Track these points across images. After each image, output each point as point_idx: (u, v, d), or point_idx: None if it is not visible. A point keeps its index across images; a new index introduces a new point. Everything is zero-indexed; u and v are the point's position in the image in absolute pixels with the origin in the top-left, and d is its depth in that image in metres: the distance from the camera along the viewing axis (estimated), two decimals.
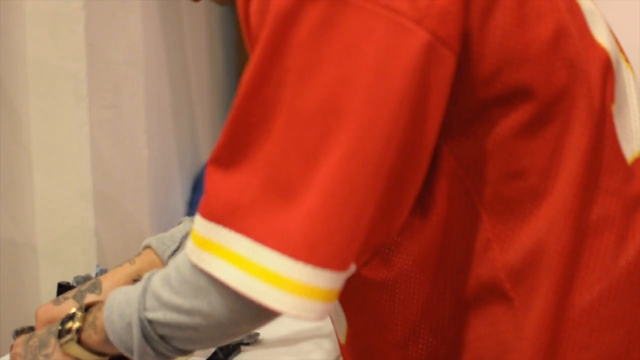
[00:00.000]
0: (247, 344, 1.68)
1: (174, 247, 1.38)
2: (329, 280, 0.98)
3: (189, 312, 1.04)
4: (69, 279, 1.72)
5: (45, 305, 1.36)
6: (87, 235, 1.98)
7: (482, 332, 1.09)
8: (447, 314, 1.10)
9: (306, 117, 0.96)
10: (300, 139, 0.97)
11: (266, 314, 1.02)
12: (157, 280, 1.07)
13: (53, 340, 1.19)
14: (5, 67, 1.94)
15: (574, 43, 1.06)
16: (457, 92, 1.02)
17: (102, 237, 2.06)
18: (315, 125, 0.96)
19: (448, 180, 1.05)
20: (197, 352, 1.65)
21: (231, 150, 0.99)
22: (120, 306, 1.10)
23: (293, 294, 0.98)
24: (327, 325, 1.82)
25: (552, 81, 1.04)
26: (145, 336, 1.07)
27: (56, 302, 1.36)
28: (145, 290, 1.08)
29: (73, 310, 1.18)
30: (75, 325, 1.17)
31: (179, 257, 1.06)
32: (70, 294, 1.36)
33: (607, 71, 1.10)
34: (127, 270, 1.38)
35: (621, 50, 1.18)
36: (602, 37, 1.12)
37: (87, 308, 1.18)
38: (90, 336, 1.15)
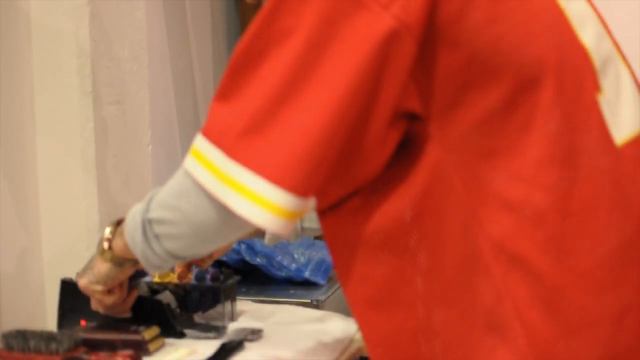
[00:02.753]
0: (251, 341, 1.69)
1: None
2: (289, 201, 1.16)
3: (172, 207, 1.25)
4: (72, 276, 1.72)
5: None
6: (92, 232, 1.98)
7: (478, 299, 1.18)
8: (440, 286, 1.20)
9: (283, 70, 1.16)
10: (278, 86, 1.17)
11: (232, 223, 1.21)
12: (161, 188, 1.28)
13: (96, 254, 1.51)
14: (10, 63, 1.94)
15: (546, 40, 1.20)
16: (436, 77, 1.18)
17: None
18: (289, 76, 1.16)
19: (431, 163, 1.19)
20: (200, 349, 1.65)
21: (227, 87, 1.20)
22: (133, 212, 1.32)
23: (257, 205, 1.17)
24: (329, 323, 1.83)
25: (520, 72, 1.18)
26: (145, 235, 1.29)
27: None
28: (152, 196, 1.29)
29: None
30: (107, 234, 1.47)
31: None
32: None
33: (586, 66, 1.22)
34: None
35: (618, 48, 1.31)
36: (587, 37, 1.25)
37: (119, 222, 1.44)
38: (117, 243, 1.46)
